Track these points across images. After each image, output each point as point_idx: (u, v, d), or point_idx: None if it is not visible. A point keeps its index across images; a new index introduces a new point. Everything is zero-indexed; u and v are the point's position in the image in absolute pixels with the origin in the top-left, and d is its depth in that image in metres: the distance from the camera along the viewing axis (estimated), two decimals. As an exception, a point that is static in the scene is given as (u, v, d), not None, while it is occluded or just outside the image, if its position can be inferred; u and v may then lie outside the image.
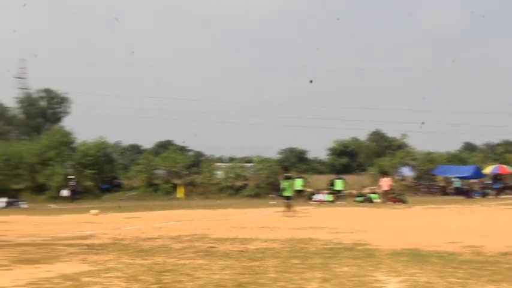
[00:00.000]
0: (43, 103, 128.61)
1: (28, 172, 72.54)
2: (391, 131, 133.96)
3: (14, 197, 60.82)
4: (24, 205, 57.22)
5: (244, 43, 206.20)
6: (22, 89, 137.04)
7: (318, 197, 56.26)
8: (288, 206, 33.85)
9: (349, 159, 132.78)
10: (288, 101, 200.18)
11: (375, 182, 68.94)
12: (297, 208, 34.35)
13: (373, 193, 56.16)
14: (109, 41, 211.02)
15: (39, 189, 70.81)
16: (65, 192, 62.13)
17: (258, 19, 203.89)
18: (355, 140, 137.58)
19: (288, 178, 34.60)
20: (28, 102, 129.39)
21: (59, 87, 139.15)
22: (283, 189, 34.26)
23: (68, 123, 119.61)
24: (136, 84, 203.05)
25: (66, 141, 74.89)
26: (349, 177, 73.90)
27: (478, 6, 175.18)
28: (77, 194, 62.33)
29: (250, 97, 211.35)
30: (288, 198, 34.29)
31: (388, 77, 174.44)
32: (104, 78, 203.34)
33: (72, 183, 61.81)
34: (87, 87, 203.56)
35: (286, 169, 36.95)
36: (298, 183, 55.46)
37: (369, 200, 54.74)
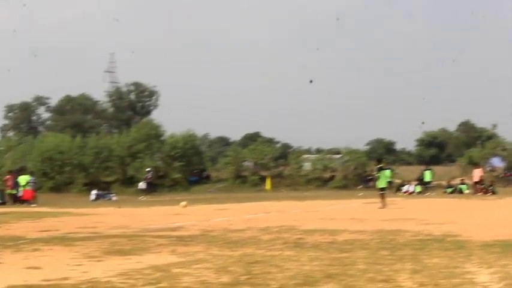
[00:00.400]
0: (132, 96, 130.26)
1: (118, 165, 73.69)
2: (481, 122, 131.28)
3: (104, 189, 61.87)
4: (114, 197, 58.14)
5: (329, 34, 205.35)
6: (112, 82, 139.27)
7: (407, 188, 55.77)
8: (383, 197, 33.55)
9: (438, 150, 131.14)
10: (376, 91, 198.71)
11: (465, 173, 68.00)
12: (387, 200, 34.02)
13: (463, 184, 55.36)
14: (198, 34, 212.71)
15: (128, 182, 71.85)
16: (142, 185, 62.54)
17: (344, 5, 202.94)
18: (444, 130, 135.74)
19: (381, 169, 34.21)
20: (118, 95, 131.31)
21: (148, 80, 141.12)
22: (377, 180, 33.89)
23: (156, 116, 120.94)
24: (225, 77, 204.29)
25: (155, 134, 75.73)
26: (438, 169, 73.01)
27: None
28: (154, 187, 62.58)
29: (338, 88, 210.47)
30: (382, 189, 34.00)
31: (480, 67, 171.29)
32: (192, 71, 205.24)
33: (149, 176, 62.18)
34: (176, 80, 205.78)
35: (379, 160, 36.39)
36: (386, 175, 55.11)
37: (459, 191, 54.02)
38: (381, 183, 33.82)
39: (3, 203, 47.67)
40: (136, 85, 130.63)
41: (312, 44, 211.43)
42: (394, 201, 37.36)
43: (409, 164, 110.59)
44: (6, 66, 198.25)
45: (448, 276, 11.56)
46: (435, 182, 58.56)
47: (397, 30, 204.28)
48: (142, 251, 16.06)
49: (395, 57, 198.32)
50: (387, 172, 34.91)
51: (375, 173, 34.38)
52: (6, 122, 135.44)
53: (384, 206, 32.68)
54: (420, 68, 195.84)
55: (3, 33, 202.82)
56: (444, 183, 60.01)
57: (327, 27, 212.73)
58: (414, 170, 73.02)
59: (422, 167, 63.54)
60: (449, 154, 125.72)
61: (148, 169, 63.00)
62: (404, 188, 55.62)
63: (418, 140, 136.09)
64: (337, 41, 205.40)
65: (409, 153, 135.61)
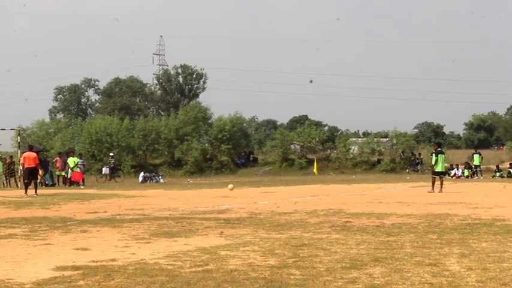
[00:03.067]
0: (180, 79, 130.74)
1: (165, 147, 74.04)
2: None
3: (151, 171, 62.20)
4: (161, 180, 58.46)
5: (376, 20, 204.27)
6: (160, 65, 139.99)
7: (455, 172, 55.32)
8: (441, 182, 33.25)
9: (486, 133, 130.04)
10: (424, 74, 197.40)
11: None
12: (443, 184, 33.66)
13: (512, 168, 54.75)
14: (244, 16, 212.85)
15: (176, 164, 72.23)
16: (105, 170, 60.51)
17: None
18: (493, 114, 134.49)
19: (440, 153, 33.84)
20: (166, 78, 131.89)
21: (196, 63, 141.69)
22: (435, 164, 33.54)
23: (204, 98, 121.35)
24: (273, 59, 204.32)
25: (202, 117, 75.94)
26: (487, 152, 72.32)
27: None
28: (116, 172, 60.48)
29: (386, 71, 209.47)
30: (440, 173, 33.70)
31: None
32: (239, 54, 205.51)
33: (112, 161, 60.36)
34: (224, 63, 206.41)
35: (439, 144, 35.97)
36: (476, 159, 54.90)
37: (508, 175, 53.44)
38: (439, 167, 33.46)
39: (53, 185, 48.21)
40: (184, 68, 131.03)
41: (359, 29, 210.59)
42: (442, 185, 37.04)
43: (458, 147, 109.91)
44: (57, 48, 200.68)
45: (496, 261, 11.46)
46: (484, 166, 58.00)
47: (445, 11, 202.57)
48: (189, 233, 16.14)
49: (443, 40, 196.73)
50: (444, 156, 34.49)
51: (432, 156, 33.87)
52: (56, 104, 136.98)
53: (437, 190, 32.34)
54: (469, 51, 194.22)
55: (52, 17, 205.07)
56: (493, 167, 59.38)
57: (371, 13, 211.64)
58: (463, 154, 72.51)
59: (471, 151, 63.01)
60: (498, 138, 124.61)
61: (111, 154, 62.10)
62: (453, 172, 55.13)
63: (466, 124, 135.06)
64: (384, 26, 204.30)
65: (457, 137, 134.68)
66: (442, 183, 33.20)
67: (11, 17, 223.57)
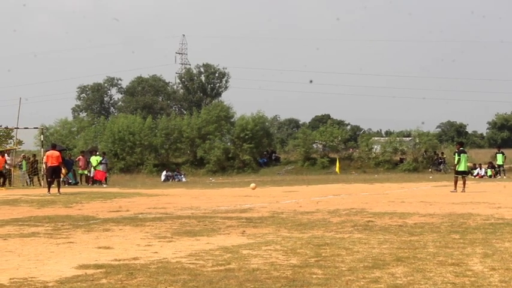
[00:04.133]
0: (203, 78, 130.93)
1: (188, 146, 74.16)
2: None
3: (174, 170, 62.32)
4: (184, 178, 58.56)
5: (398, 18, 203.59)
6: (182, 64, 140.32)
7: (478, 171, 55.06)
8: (464, 181, 33.12)
9: (510, 133, 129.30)
10: (448, 74, 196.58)
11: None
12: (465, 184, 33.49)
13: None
14: (266, 15, 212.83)
15: (198, 163, 72.33)
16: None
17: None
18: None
19: (462, 152, 33.69)
20: (188, 77, 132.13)
21: (218, 62, 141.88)
22: (458, 164, 33.42)
23: (227, 97, 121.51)
24: (295, 58, 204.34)
25: (225, 116, 75.93)
26: (510, 152, 71.85)
27: None
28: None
29: (409, 70, 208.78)
30: (463, 173, 33.56)
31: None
32: (262, 52, 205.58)
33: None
34: (246, 62, 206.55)
35: (461, 144, 35.81)
36: (499, 158, 54.64)
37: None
38: (461, 167, 33.33)
39: (76, 183, 48.44)
40: (207, 67, 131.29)
41: (381, 27, 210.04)
42: (465, 185, 36.87)
43: (481, 147, 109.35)
44: (80, 47, 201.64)
45: (520, 261, 11.41)
46: (507, 166, 57.69)
47: (470, 9, 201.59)
48: (212, 232, 16.17)
49: (466, 39, 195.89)
50: (467, 156, 34.33)
51: (455, 156, 33.76)
52: (79, 102, 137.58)
53: (460, 189, 32.21)
54: (492, 49, 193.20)
55: (75, 15, 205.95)
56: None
57: (394, 13, 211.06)
58: (486, 153, 72.09)
59: (494, 150, 62.63)
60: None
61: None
62: (476, 172, 54.86)
63: (489, 123, 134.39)
64: (406, 24, 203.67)
65: (480, 136, 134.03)
66: (464, 183, 33.06)
67: (33, 15, 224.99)
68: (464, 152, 34.14)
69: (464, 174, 33.87)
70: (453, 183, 33.09)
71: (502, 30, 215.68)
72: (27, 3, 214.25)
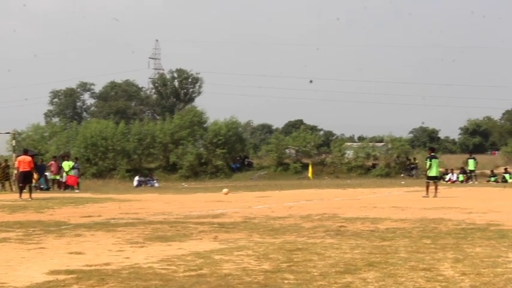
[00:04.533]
0: (176, 83, 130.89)
1: (161, 151, 73.98)
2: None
3: (146, 175, 62.12)
4: (156, 184, 58.40)
5: (376, 23, 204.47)
6: (156, 69, 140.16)
7: (450, 176, 55.36)
8: (435, 186, 33.30)
9: (481, 138, 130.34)
10: (420, 79, 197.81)
11: (509, 161, 67.32)
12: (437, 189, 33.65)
13: (507, 173, 54.79)
14: (239, 20, 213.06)
15: (171, 168, 72.16)
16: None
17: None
18: (488, 119, 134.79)
19: (433, 158, 33.89)
20: (161, 82, 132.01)
21: (191, 67, 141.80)
22: (429, 169, 33.63)
23: (200, 103, 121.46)
24: (269, 63, 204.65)
25: (198, 121, 75.82)
26: (482, 157, 72.34)
27: None
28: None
29: (381, 76, 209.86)
30: (435, 178, 33.75)
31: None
32: (235, 58, 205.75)
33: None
34: (219, 67, 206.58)
35: (432, 149, 36.07)
36: (471, 164, 55.01)
37: (503, 180, 53.49)
38: (433, 172, 33.54)
39: (48, 189, 48.18)
40: (180, 72, 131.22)
41: (356, 33, 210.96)
42: (437, 190, 37.06)
43: (453, 152, 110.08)
44: (53, 52, 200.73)
45: (490, 266, 11.50)
46: (478, 171, 58.06)
47: (436, 16, 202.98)
48: (184, 237, 16.16)
49: (437, 44, 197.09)
50: (438, 161, 34.56)
51: (427, 161, 34.01)
52: (51, 107, 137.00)
53: (432, 194, 32.37)
54: (463, 55, 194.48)
55: (48, 19, 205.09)
56: (488, 171, 59.41)
57: (369, 19, 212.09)
58: (458, 159, 72.51)
59: (466, 156, 63.05)
60: (493, 143, 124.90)
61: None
62: (448, 177, 55.17)
63: (461, 129, 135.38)
64: (380, 31, 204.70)
65: (452, 142, 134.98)
66: (436, 188, 33.24)
67: (7, 19, 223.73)
68: (436, 158, 34.36)
69: (436, 179, 34.07)
70: (425, 189, 33.25)
71: (472, 34, 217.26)
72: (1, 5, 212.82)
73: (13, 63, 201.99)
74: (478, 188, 42.93)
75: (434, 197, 31.96)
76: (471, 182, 53.58)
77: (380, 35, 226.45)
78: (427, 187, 33.06)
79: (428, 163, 33.77)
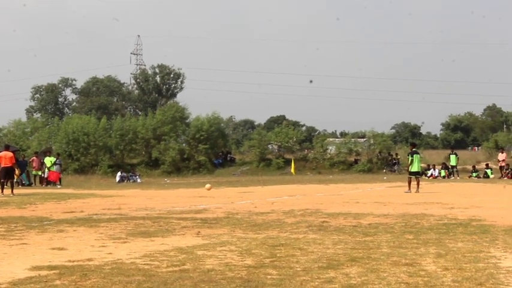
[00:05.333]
0: (158, 79, 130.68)
1: (143, 147, 73.89)
2: (507, 106, 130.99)
3: (129, 171, 62.01)
4: (139, 179, 58.30)
5: (358, 21, 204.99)
6: (137, 65, 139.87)
7: (432, 172, 55.54)
8: (417, 181, 33.45)
9: (463, 134, 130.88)
10: (401, 75, 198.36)
11: (490, 157, 67.62)
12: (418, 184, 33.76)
13: (488, 168, 55.02)
14: (222, 16, 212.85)
15: (153, 164, 72.09)
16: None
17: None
18: (470, 114, 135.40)
19: (415, 153, 34.05)
20: (143, 78, 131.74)
21: (173, 63, 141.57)
22: (411, 165, 33.80)
23: (182, 98, 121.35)
24: (250, 59, 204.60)
25: (180, 117, 75.76)
26: (463, 153, 72.61)
27: None
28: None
29: (363, 72, 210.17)
30: (416, 173, 33.87)
31: (507, 51, 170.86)
32: (217, 54, 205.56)
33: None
34: (201, 63, 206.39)
35: (414, 145, 36.24)
36: (452, 160, 55.19)
37: (484, 176, 53.73)
38: (414, 167, 33.67)
39: (29, 184, 48.00)
40: (162, 67, 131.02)
41: (340, 30, 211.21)
42: (419, 186, 37.17)
43: (434, 148, 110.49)
44: (34, 47, 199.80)
45: (472, 261, 11.54)
46: (460, 166, 58.28)
47: (420, 11, 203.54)
48: (166, 233, 16.14)
49: (420, 41, 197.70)
50: (420, 157, 34.76)
51: (409, 157, 34.21)
52: (33, 103, 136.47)
53: (414, 190, 32.51)
54: (446, 51, 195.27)
55: (29, 15, 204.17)
56: (469, 167, 59.66)
57: (353, 15, 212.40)
58: (439, 154, 72.79)
59: (448, 151, 63.28)
60: (474, 138, 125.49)
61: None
62: (429, 172, 55.34)
63: (443, 124, 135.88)
64: (363, 27, 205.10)
65: (434, 137, 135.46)
66: (418, 184, 33.35)
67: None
68: (417, 153, 34.46)
69: (418, 175, 34.18)
70: (407, 184, 33.36)
71: (483, 31, 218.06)
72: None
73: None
74: (459, 184, 43.08)
75: (416, 192, 32.08)
76: (453, 178, 53.78)
77: (366, 31, 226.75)
78: (409, 182, 33.17)
79: (410, 159, 33.91)
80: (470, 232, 15.69)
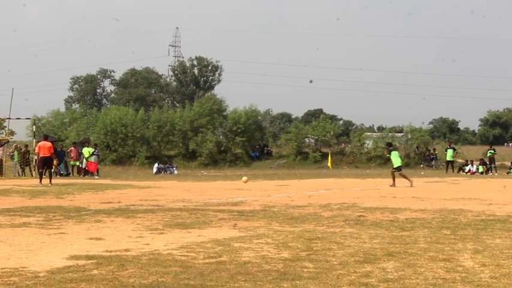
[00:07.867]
0: (196, 71, 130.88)
1: (180, 139, 74.12)
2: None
3: (166, 163, 62.28)
4: (175, 171, 58.53)
5: (393, 15, 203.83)
6: (176, 57, 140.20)
7: (469, 168, 55.13)
8: (404, 176, 34.03)
9: (501, 130, 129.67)
10: (441, 70, 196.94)
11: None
12: (447, 179, 33.69)
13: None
14: (261, 9, 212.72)
15: (190, 156, 72.32)
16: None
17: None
18: (509, 110, 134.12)
19: (393, 150, 35.09)
20: (181, 70, 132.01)
21: (211, 55, 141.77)
22: (390, 161, 34.76)
23: (219, 90, 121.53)
24: (289, 52, 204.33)
25: (217, 109, 75.93)
26: (502, 149, 71.96)
27: None
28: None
29: (402, 66, 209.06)
30: (397, 168, 34.47)
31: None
32: (255, 46, 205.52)
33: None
34: (239, 56, 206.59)
35: (390, 144, 37.22)
36: (448, 154, 54.65)
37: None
38: (396, 163, 34.28)
39: (68, 174, 48.36)
40: (200, 60, 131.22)
41: (375, 24, 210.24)
42: (457, 181, 36.96)
43: (472, 143, 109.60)
44: (74, 38, 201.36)
45: (510, 257, 11.44)
46: (498, 162, 57.76)
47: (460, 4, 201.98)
48: (203, 224, 16.18)
49: (459, 36, 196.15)
50: (450, 151, 35.18)
51: (386, 154, 35.10)
52: (72, 94, 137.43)
53: (393, 184, 33.23)
54: (485, 47, 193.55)
55: (69, 6, 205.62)
56: (508, 163, 59.10)
57: (386, 10, 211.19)
58: (477, 150, 72.22)
59: (486, 147, 62.75)
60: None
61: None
62: (467, 168, 54.95)
63: (482, 120, 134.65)
64: (399, 21, 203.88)
65: (472, 133, 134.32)
66: (394, 179, 34.50)
67: (27, 7, 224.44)
68: (396, 150, 35.67)
69: (398, 170, 34.78)
70: (392, 179, 34.51)
71: (498, 29, 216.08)
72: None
73: (31, 51, 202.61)
74: (498, 180, 42.70)
75: (391, 186, 33.51)
76: (491, 174, 53.33)
77: (407, 24, 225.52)
78: (394, 177, 33.94)
79: (387, 155, 35.18)
80: (508, 228, 15.54)
